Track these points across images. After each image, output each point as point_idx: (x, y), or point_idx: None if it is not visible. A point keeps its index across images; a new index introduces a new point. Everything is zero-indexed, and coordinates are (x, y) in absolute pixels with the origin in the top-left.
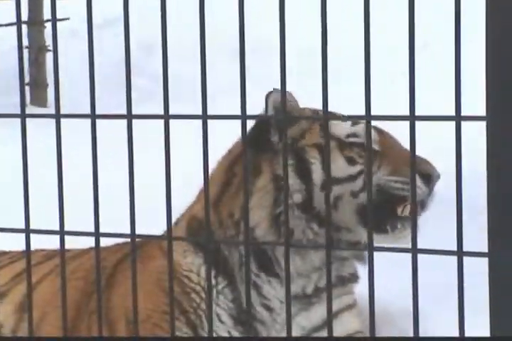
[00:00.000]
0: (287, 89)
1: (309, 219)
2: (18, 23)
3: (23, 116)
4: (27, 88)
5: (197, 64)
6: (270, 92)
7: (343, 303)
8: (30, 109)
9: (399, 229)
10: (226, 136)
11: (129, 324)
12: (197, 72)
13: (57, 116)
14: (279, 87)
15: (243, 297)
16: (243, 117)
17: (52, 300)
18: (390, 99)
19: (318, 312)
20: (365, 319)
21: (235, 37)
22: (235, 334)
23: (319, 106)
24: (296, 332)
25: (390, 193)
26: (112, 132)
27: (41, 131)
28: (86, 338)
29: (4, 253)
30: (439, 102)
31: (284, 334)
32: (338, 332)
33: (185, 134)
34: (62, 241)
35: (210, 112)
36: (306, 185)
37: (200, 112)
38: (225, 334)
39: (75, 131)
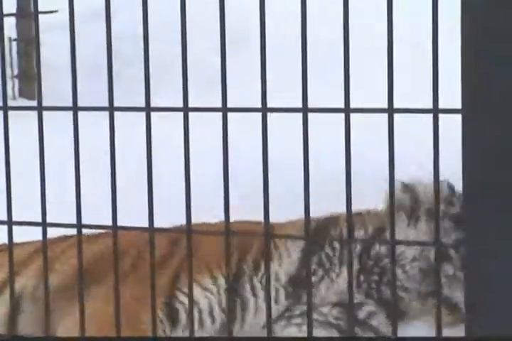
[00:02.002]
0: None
1: None
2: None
3: (5, 108)
4: (16, 80)
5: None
6: None
7: None
8: (19, 102)
9: None
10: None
11: None
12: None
13: (40, 109)
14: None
15: None
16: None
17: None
18: (368, 93)
19: None
20: None
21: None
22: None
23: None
24: None
25: None
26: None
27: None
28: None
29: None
30: (417, 96)
31: None
32: None
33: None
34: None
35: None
36: None
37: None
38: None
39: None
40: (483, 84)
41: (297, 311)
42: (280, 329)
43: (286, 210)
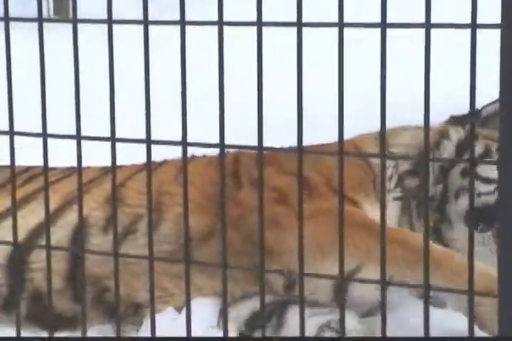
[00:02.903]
0: None
1: None
2: None
3: (40, 20)
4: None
5: None
6: None
7: None
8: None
9: None
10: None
11: None
12: None
13: (74, 21)
14: None
15: None
16: (259, 24)
17: None
18: (406, 8)
19: None
20: None
21: None
22: None
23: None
24: None
25: None
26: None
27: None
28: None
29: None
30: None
31: None
32: None
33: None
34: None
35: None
36: None
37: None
38: None
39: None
40: None
41: None
42: None
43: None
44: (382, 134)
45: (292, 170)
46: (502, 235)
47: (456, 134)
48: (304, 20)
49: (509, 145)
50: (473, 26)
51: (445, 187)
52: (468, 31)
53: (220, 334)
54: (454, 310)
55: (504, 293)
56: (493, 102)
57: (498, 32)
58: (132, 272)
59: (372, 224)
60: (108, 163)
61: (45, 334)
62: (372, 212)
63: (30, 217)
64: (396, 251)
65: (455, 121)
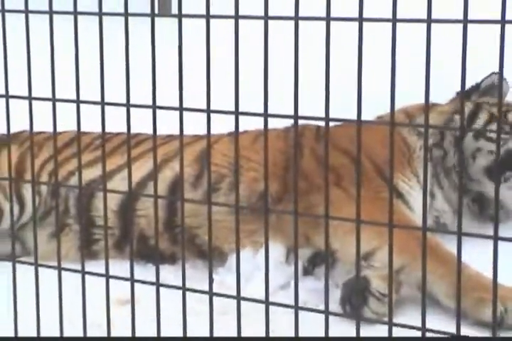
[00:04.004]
0: None
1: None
2: None
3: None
4: None
5: None
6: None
7: None
8: None
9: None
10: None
11: None
12: None
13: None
14: None
15: None
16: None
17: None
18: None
19: None
20: None
21: None
22: None
23: None
24: None
25: None
26: None
27: None
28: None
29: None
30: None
31: None
32: None
33: None
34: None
35: None
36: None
37: None
38: None
39: None
40: None
41: None
42: None
43: None
44: (426, 109)
45: (347, 149)
46: None
47: (466, 108)
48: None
49: None
50: (503, 22)
51: (461, 154)
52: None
53: (288, 268)
54: None
55: None
56: (489, 75)
57: None
58: (216, 224)
59: (411, 223)
60: (197, 131)
61: (151, 266)
62: (405, 187)
63: (136, 172)
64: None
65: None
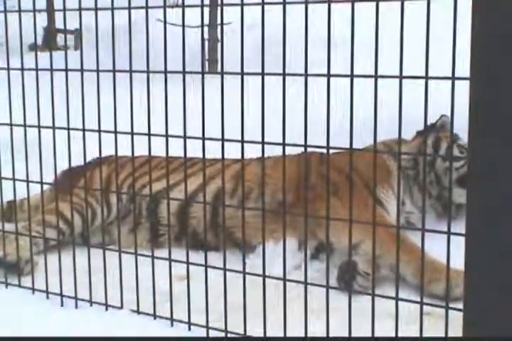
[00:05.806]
0: None
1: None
2: None
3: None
4: None
5: None
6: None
7: None
8: None
9: None
10: None
11: None
12: None
13: None
14: None
15: None
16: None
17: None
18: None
19: None
20: None
21: None
22: None
23: None
24: None
25: None
26: None
27: None
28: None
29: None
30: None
31: None
32: None
33: None
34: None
35: None
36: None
37: None
38: None
39: None
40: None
41: None
42: None
43: None
44: (400, 142)
45: (343, 169)
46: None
47: (429, 141)
48: None
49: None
50: (453, 79)
51: (436, 172)
52: None
53: (300, 254)
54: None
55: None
56: (440, 117)
57: None
58: (247, 224)
59: (388, 223)
60: (234, 156)
61: (201, 252)
62: (384, 197)
63: (190, 186)
64: (390, 242)
65: (421, 133)
